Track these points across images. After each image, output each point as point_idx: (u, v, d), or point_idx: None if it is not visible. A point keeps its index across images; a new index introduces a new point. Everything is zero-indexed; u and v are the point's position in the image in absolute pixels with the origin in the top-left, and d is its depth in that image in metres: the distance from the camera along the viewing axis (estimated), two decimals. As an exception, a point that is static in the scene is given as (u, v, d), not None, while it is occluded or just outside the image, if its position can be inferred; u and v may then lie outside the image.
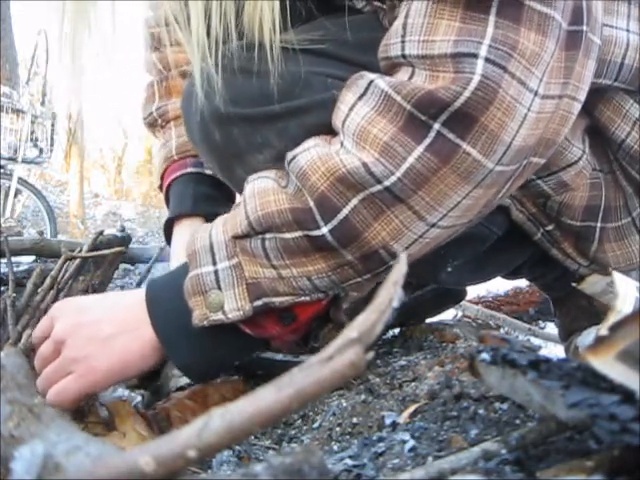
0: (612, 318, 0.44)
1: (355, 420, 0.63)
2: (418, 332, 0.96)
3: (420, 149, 0.59)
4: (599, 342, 0.36)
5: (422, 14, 0.60)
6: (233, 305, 0.66)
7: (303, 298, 0.66)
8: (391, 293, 0.32)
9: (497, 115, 0.58)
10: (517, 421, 0.51)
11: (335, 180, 0.61)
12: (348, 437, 0.61)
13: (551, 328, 1.64)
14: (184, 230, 0.95)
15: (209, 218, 0.91)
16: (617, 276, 0.53)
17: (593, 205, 0.79)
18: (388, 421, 0.60)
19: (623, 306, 0.48)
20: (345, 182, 0.61)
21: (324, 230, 0.62)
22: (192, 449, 0.27)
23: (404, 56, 0.61)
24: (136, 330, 0.68)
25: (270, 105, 0.69)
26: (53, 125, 4.67)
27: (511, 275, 0.98)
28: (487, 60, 0.57)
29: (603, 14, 0.66)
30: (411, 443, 0.51)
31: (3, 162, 4.25)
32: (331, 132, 0.67)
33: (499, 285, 1.73)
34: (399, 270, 0.34)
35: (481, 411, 0.54)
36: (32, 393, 0.38)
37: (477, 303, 1.63)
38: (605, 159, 0.80)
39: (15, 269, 1.33)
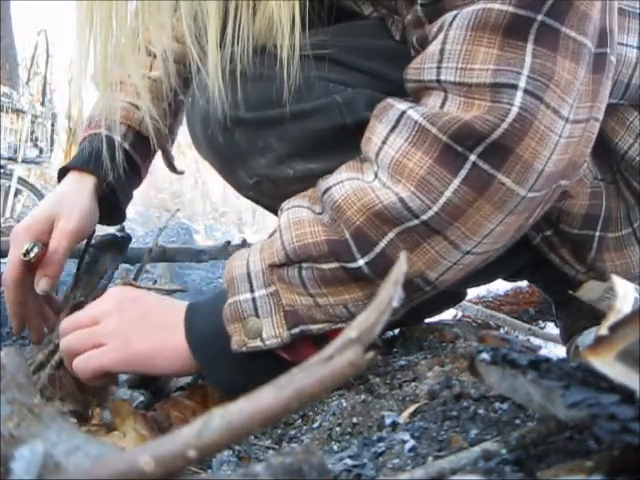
0: (612, 318, 0.44)
1: (355, 420, 0.62)
2: (418, 332, 0.95)
3: (456, 182, 0.59)
4: (599, 342, 0.36)
5: (460, 41, 0.59)
6: (271, 333, 0.67)
7: (340, 325, 0.67)
8: (391, 293, 0.32)
9: (531, 145, 0.58)
10: (517, 421, 0.51)
11: (371, 215, 0.62)
12: (348, 437, 0.61)
13: (551, 328, 1.64)
14: (68, 181, 0.91)
15: (100, 179, 0.91)
16: (616, 278, 0.53)
17: (592, 214, 0.80)
18: (388, 421, 0.59)
19: (623, 306, 0.48)
20: (381, 217, 0.61)
21: (360, 262, 0.63)
22: (192, 449, 0.27)
23: (439, 81, 0.61)
24: (175, 334, 0.69)
25: (271, 109, 0.69)
26: (53, 125, 4.68)
27: (512, 277, 0.98)
28: (526, 91, 0.58)
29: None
30: (411, 443, 0.51)
31: (3, 162, 4.25)
32: (333, 135, 0.68)
33: (499, 285, 1.73)
34: (399, 270, 0.34)
35: (481, 411, 0.54)
36: (32, 393, 0.38)
37: (477, 303, 1.63)
38: (608, 169, 0.80)
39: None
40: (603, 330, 0.38)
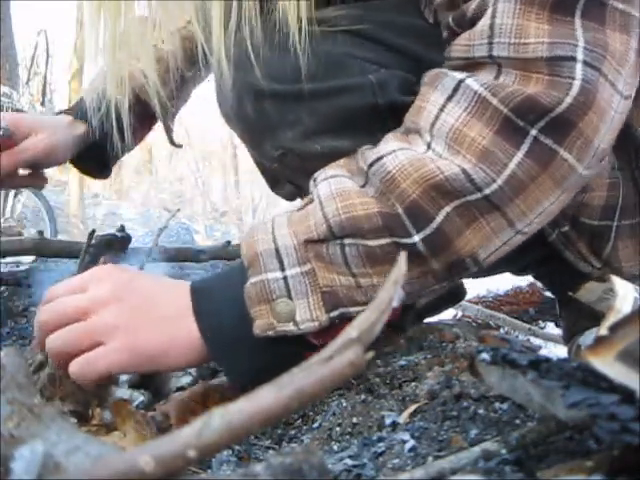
0: (612, 318, 0.44)
1: (355, 420, 0.62)
2: (418, 332, 0.95)
3: (520, 155, 0.58)
4: (599, 342, 0.36)
5: (510, 15, 0.58)
6: (306, 316, 0.61)
7: None
8: (391, 293, 0.32)
9: (593, 120, 0.57)
10: (517, 421, 0.51)
11: (429, 187, 0.58)
12: (348, 437, 0.61)
13: (551, 328, 1.64)
14: (61, 118, 0.98)
15: (88, 130, 0.97)
16: (615, 279, 0.53)
17: (611, 204, 0.79)
18: (388, 421, 0.59)
19: (622, 306, 0.48)
20: (440, 190, 0.58)
21: (416, 239, 0.59)
22: (192, 449, 0.27)
23: (491, 57, 0.59)
24: (184, 322, 0.63)
25: (305, 84, 0.68)
26: (53, 125, 4.67)
27: (519, 272, 0.98)
28: (585, 63, 0.57)
29: None
30: (411, 443, 0.51)
31: (3, 162, 4.24)
32: (364, 115, 0.66)
33: (499, 285, 1.73)
34: (399, 270, 0.34)
35: (481, 411, 0.54)
36: (32, 393, 0.38)
37: (477, 303, 1.63)
38: (625, 157, 0.79)
39: (15, 269, 1.34)
40: (603, 330, 0.38)
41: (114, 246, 1.01)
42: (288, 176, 0.84)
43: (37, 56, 4.72)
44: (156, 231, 1.32)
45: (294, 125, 0.70)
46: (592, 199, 0.78)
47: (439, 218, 0.59)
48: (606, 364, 0.35)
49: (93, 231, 0.97)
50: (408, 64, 0.69)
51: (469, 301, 1.58)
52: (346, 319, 0.62)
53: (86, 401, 0.73)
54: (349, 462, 0.50)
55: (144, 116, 1.02)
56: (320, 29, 0.68)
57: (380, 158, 0.61)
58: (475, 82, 0.59)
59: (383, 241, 0.60)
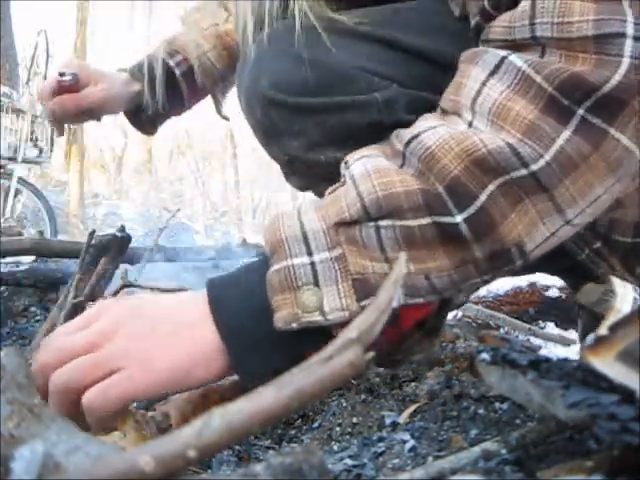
0: (612, 318, 0.44)
1: (355, 420, 0.62)
2: (418, 332, 0.95)
3: (568, 132, 0.54)
4: (599, 342, 0.36)
5: None
6: (336, 304, 0.55)
7: (416, 300, 0.57)
8: (391, 293, 0.32)
9: None
10: (517, 421, 0.51)
11: (472, 162, 0.54)
12: (348, 437, 0.61)
13: (551, 328, 1.64)
14: (120, 74, 1.08)
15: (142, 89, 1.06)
16: (615, 279, 0.53)
17: None
18: (388, 421, 0.60)
19: (622, 306, 0.48)
20: (484, 165, 0.54)
21: (458, 219, 0.55)
22: (192, 449, 0.27)
23: (534, 38, 0.57)
24: (199, 333, 0.58)
25: (311, 97, 0.68)
26: (53, 125, 4.66)
27: (550, 274, 0.97)
28: (635, 39, 0.54)
29: None
30: (411, 443, 0.52)
31: (3, 162, 4.25)
32: (368, 131, 0.65)
33: (499, 285, 1.73)
34: (398, 270, 0.34)
35: (481, 411, 0.54)
36: (32, 393, 0.38)
37: (477, 303, 1.63)
38: None
39: (15, 269, 1.34)
40: (603, 330, 0.38)
41: (114, 246, 1.01)
42: (296, 179, 0.83)
43: (37, 56, 4.71)
44: (156, 231, 1.32)
45: (299, 135, 0.70)
46: (625, 215, 0.75)
47: (483, 197, 0.54)
48: (606, 364, 0.35)
49: (93, 231, 0.97)
50: (425, 73, 0.68)
51: (469, 301, 1.58)
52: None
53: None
54: (349, 462, 0.50)
55: (196, 86, 1.09)
56: (336, 35, 0.68)
57: (418, 135, 0.58)
58: (519, 59, 0.56)
59: (423, 221, 0.55)
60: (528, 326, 1.53)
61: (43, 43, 4.70)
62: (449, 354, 0.76)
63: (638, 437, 0.30)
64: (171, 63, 1.07)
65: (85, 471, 0.29)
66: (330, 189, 0.60)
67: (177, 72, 1.07)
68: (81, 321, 0.59)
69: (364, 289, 0.56)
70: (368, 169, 0.57)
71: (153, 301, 0.63)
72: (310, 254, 0.56)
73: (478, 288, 0.65)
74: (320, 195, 0.71)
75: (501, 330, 1.50)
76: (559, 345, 1.48)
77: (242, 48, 0.75)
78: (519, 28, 0.58)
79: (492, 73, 0.57)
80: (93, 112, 1.08)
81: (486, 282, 0.60)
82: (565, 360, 0.39)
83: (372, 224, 0.56)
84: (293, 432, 0.68)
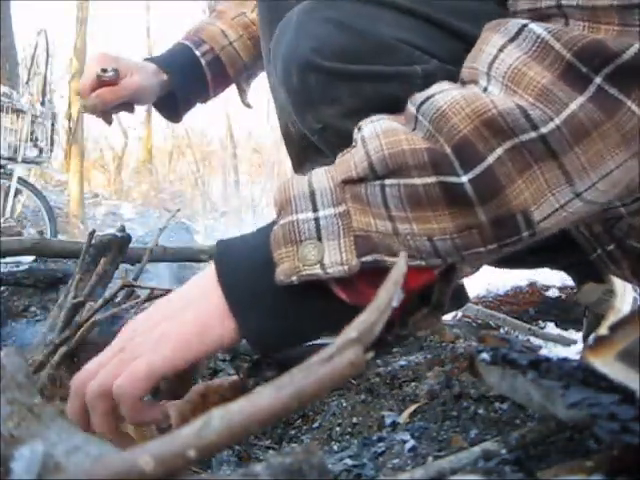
0: (612, 318, 0.44)
1: (355, 420, 0.63)
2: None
3: (582, 99, 0.53)
4: (599, 342, 0.36)
5: None
6: (336, 258, 0.55)
7: (418, 262, 0.57)
8: (391, 293, 0.32)
9: None
10: (517, 421, 0.51)
11: (481, 123, 0.54)
12: (348, 437, 0.61)
13: (551, 328, 1.64)
14: (150, 65, 1.10)
15: (170, 79, 1.09)
16: (615, 279, 0.53)
17: None
18: (388, 421, 0.60)
19: (622, 306, 0.48)
20: (494, 126, 0.54)
21: (464, 179, 0.54)
22: (192, 449, 0.27)
23: (559, 7, 0.56)
24: (206, 297, 0.59)
25: (351, 64, 0.68)
26: (53, 125, 4.67)
27: (560, 269, 0.98)
28: None
29: None
30: (411, 443, 0.52)
31: (3, 162, 4.25)
32: (405, 103, 0.65)
33: (499, 285, 1.73)
34: (399, 269, 0.34)
35: (481, 411, 0.54)
36: (32, 393, 0.38)
37: (477, 303, 1.63)
38: None
39: (15, 269, 1.34)
40: (603, 330, 0.38)
41: (114, 246, 1.01)
42: (326, 149, 0.83)
43: (37, 56, 4.72)
44: (156, 231, 1.32)
45: (334, 103, 0.71)
46: None
47: (490, 159, 0.54)
48: (606, 364, 0.35)
49: (93, 231, 0.97)
50: (466, 50, 0.67)
51: (469, 301, 1.58)
52: (379, 270, 0.55)
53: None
54: (349, 462, 0.51)
55: (221, 75, 1.14)
56: (379, 7, 0.68)
57: (431, 96, 0.58)
58: (539, 27, 0.56)
59: (428, 180, 0.55)
60: (528, 326, 1.53)
61: (43, 43, 4.70)
62: (449, 354, 0.76)
63: (638, 437, 0.30)
64: (197, 53, 1.10)
65: (85, 471, 0.29)
66: (341, 153, 0.61)
67: (203, 62, 1.11)
68: (107, 351, 0.60)
69: (365, 245, 0.56)
70: (377, 130, 0.58)
71: (165, 298, 0.64)
72: (315, 210, 0.57)
73: (482, 263, 0.64)
74: None
75: (501, 330, 1.50)
76: (559, 345, 1.48)
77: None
78: None
79: (511, 39, 0.57)
80: (128, 103, 1.12)
81: (491, 253, 0.59)
82: (565, 360, 0.39)
83: (378, 182, 0.56)
84: (293, 432, 0.68)
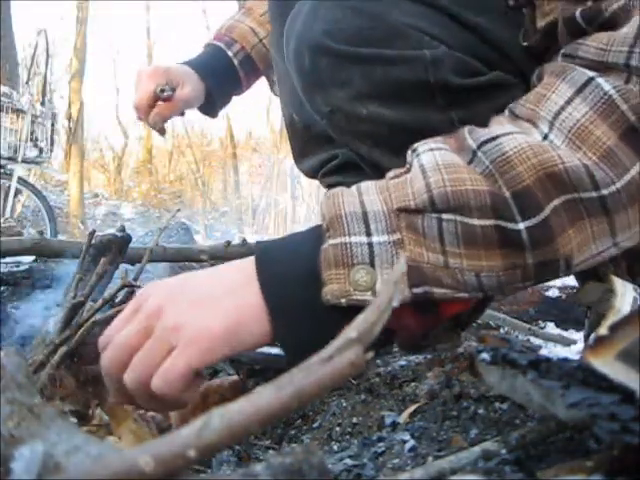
0: (612, 318, 0.44)
1: (355, 420, 0.63)
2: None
3: None
4: (599, 342, 0.36)
5: None
6: None
7: (462, 294, 0.58)
8: (391, 293, 0.32)
9: None
10: (517, 421, 0.51)
11: (546, 175, 0.56)
12: (348, 437, 0.61)
13: (551, 328, 1.64)
14: (191, 70, 1.16)
15: (207, 80, 1.16)
16: (615, 279, 0.53)
17: None
18: (388, 421, 0.60)
19: (622, 306, 0.48)
20: (556, 180, 0.56)
21: (521, 226, 0.56)
22: (192, 449, 0.27)
23: (627, 65, 0.58)
24: (244, 293, 0.58)
25: (362, 47, 0.70)
26: (53, 125, 4.67)
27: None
28: None
29: None
30: (411, 443, 0.52)
31: (3, 162, 4.25)
32: (413, 88, 0.68)
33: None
34: (399, 270, 0.34)
35: (481, 411, 0.54)
36: (32, 393, 0.38)
37: (477, 303, 1.63)
38: None
39: (15, 269, 1.34)
40: (603, 330, 0.38)
41: (114, 246, 1.01)
42: (334, 133, 0.84)
43: (37, 56, 4.72)
44: (156, 231, 1.32)
45: (344, 85, 0.72)
46: None
47: (548, 210, 0.56)
48: (606, 364, 0.35)
49: (93, 231, 0.97)
50: (475, 44, 0.70)
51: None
52: (426, 302, 0.57)
53: (86, 401, 0.73)
54: (349, 462, 0.50)
55: (252, 71, 1.22)
56: None
57: (495, 138, 0.59)
58: (607, 83, 0.58)
59: (487, 222, 0.56)
60: (528, 326, 1.53)
61: (43, 43, 4.70)
62: (449, 354, 0.76)
63: (638, 437, 0.30)
64: (229, 53, 1.18)
65: (85, 471, 0.29)
66: (392, 173, 0.61)
67: (235, 62, 1.19)
68: (128, 313, 0.60)
69: (417, 277, 0.57)
70: (438, 161, 0.58)
71: (192, 275, 0.63)
72: (369, 234, 0.57)
73: (515, 292, 0.66)
74: (354, 151, 0.78)
75: (501, 330, 1.50)
76: (559, 345, 1.48)
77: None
78: (615, 53, 0.59)
79: (578, 91, 0.59)
80: (182, 110, 1.20)
81: (525, 287, 0.62)
82: (565, 360, 0.39)
83: (435, 215, 0.57)
84: (293, 432, 0.68)
